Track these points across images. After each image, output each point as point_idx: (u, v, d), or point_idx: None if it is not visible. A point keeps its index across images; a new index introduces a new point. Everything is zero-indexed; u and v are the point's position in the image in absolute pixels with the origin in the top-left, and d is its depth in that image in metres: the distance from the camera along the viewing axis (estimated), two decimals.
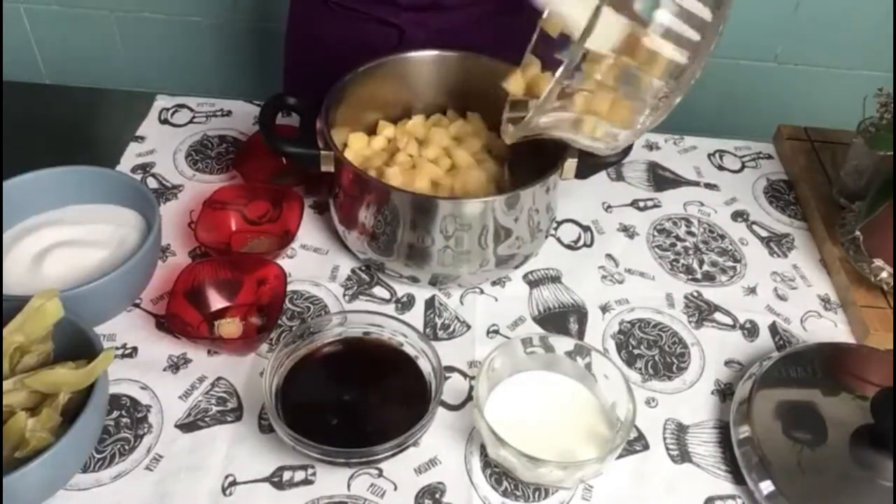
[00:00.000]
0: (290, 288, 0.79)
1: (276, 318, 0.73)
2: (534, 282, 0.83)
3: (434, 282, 0.80)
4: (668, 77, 0.63)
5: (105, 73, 1.77)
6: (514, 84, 0.75)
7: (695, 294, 0.83)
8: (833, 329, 0.81)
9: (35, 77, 1.81)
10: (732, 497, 0.67)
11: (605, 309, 0.81)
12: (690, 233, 0.91)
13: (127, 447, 0.66)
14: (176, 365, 0.72)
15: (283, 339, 0.69)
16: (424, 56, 0.86)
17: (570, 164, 0.77)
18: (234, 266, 0.76)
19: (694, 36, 0.62)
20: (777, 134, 1.05)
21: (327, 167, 0.77)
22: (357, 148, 0.84)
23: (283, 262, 0.81)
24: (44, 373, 0.60)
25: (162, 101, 1.02)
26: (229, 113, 1.01)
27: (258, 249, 0.82)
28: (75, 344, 0.63)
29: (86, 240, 0.76)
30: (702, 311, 0.82)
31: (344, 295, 0.80)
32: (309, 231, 0.86)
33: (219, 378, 0.72)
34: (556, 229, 0.89)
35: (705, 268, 0.86)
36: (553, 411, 0.68)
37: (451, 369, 0.74)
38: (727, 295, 0.84)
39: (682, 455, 0.69)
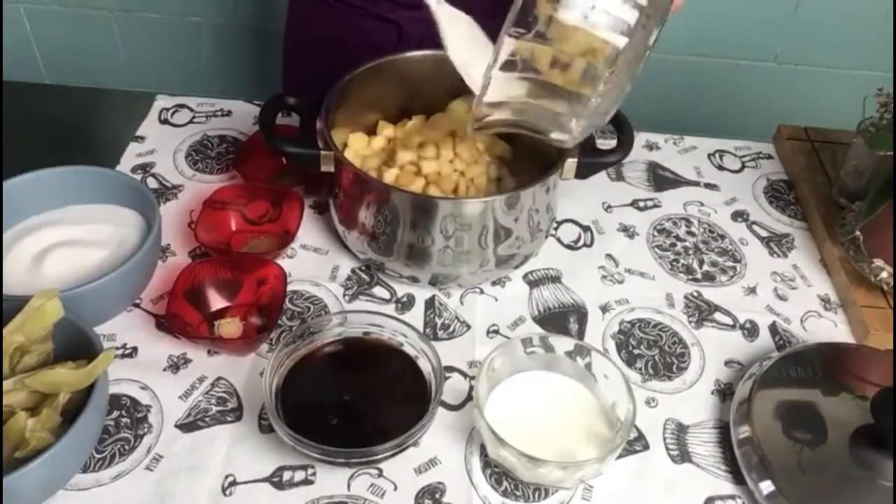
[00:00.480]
0: (290, 288, 0.79)
1: (276, 318, 0.73)
2: (534, 282, 0.83)
3: (434, 282, 0.80)
4: (605, 63, 0.61)
5: (105, 73, 1.77)
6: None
7: (695, 294, 0.83)
8: (833, 329, 0.81)
9: (35, 77, 1.81)
10: (732, 497, 0.66)
11: (605, 309, 0.81)
12: (690, 233, 0.91)
13: (127, 447, 0.66)
14: (176, 365, 0.72)
15: (283, 339, 0.69)
16: (424, 56, 0.86)
17: (570, 164, 0.77)
18: (234, 266, 0.76)
19: (630, 17, 0.59)
20: (777, 134, 1.05)
21: (327, 167, 0.77)
22: (357, 148, 0.84)
23: (283, 262, 0.81)
24: (44, 373, 0.60)
25: (162, 101, 1.02)
26: (229, 113, 1.01)
27: (258, 249, 0.82)
28: (75, 344, 0.63)
29: (86, 240, 0.76)
30: (702, 311, 0.82)
31: (344, 295, 0.80)
32: (309, 231, 0.86)
33: (219, 378, 0.72)
34: (556, 229, 0.89)
35: (705, 268, 0.86)
36: (553, 411, 0.68)
37: (451, 369, 0.74)
38: (727, 295, 0.84)
39: (682, 455, 0.69)
